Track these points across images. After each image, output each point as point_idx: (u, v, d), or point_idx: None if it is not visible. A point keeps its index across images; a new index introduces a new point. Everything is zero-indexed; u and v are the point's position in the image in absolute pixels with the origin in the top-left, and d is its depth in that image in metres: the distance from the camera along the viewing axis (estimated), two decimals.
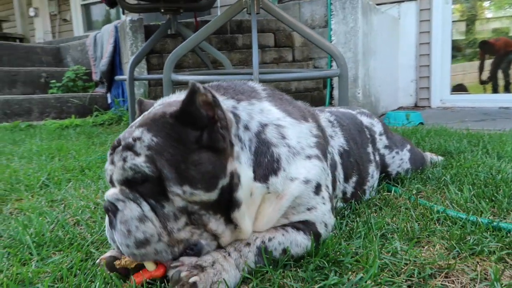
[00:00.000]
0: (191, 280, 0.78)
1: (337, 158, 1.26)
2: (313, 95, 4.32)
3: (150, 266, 0.86)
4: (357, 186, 1.33)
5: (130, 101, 3.38)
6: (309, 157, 1.00)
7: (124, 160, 0.83)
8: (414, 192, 1.45)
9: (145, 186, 0.83)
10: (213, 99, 0.83)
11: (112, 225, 0.85)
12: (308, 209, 0.98)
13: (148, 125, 0.85)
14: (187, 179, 0.82)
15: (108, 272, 0.89)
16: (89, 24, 8.23)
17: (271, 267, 0.89)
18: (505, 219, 1.18)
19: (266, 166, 0.93)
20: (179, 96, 0.99)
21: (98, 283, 0.85)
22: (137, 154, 0.82)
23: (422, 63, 5.28)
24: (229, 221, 0.89)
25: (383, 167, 1.56)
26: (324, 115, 1.39)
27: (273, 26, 4.19)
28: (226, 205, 0.87)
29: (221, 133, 0.85)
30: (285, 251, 0.93)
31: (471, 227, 1.10)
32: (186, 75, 2.80)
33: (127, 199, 0.84)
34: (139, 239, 0.82)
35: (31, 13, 7.92)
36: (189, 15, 4.18)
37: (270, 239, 0.92)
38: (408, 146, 1.65)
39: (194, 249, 0.86)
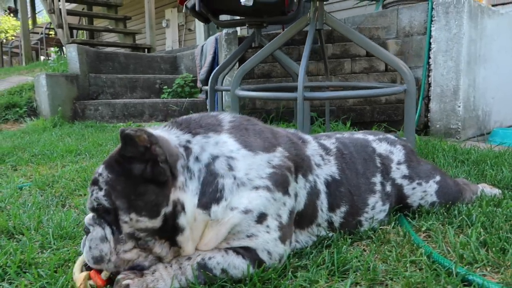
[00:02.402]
0: (124, 282, 0.93)
1: (322, 187, 1.26)
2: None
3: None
4: (348, 216, 1.30)
5: (210, 110, 3.68)
6: (256, 188, 1.05)
7: (92, 193, 1.02)
8: (423, 229, 1.35)
9: (107, 214, 1.00)
10: (148, 139, 0.95)
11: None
12: (248, 236, 1.04)
13: (107, 162, 1.02)
14: (134, 208, 0.97)
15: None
16: (212, 33, 9.00)
17: (201, 287, 0.98)
18: (497, 273, 1.04)
19: (210, 195, 1.02)
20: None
21: (65, 276, 1.05)
22: (100, 188, 1.00)
23: None
24: (174, 243, 1.01)
25: (400, 198, 1.47)
26: (325, 141, 1.39)
27: (366, 34, 4.07)
28: (171, 230, 1.00)
29: (161, 167, 0.97)
30: (223, 271, 1.01)
31: (446, 276, 1.01)
32: (248, 90, 2.98)
33: (95, 224, 1.03)
34: (95, 256, 1.00)
35: (163, 25, 9.04)
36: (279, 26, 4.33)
37: (210, 258, 1.02)
38: (437, 178, 1.52)
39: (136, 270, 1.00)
